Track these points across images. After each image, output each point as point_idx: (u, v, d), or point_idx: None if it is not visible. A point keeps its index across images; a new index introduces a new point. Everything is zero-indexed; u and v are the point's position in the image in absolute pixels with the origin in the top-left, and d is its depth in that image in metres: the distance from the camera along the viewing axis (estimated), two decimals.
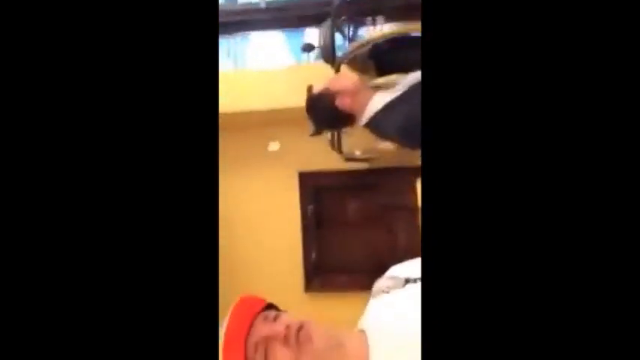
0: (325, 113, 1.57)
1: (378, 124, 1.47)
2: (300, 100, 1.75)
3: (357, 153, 2.94)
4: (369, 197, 3.40)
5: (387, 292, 0.81)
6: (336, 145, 2.76)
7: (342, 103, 1.47)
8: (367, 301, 0.88)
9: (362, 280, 3.47)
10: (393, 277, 0.84)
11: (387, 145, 2.40)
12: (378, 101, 1.44)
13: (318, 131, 1.81)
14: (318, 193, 3.52)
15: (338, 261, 3.66)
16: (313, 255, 3.58)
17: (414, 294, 0.73)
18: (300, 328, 0.73)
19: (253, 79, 3.26)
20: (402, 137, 1.49)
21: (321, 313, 3.85)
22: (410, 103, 1.33)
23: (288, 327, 0.73)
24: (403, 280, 0.79)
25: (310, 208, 3.46)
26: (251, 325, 0.75)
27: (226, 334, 0.72)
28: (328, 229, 3.59)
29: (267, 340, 0.73)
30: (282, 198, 3.51)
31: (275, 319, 0.76)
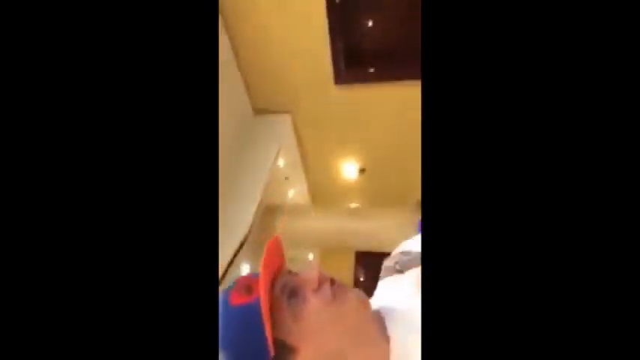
0: None
1: None
2: None
3: None
4: None
5: (401, 272, 0.73)
6: None
7: None
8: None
9: (393, 71, 3.52)
10: (407, 253, 0.76)
11: None
12: None
13: None
14: None
15: (367, 51, 3.52)
16: (341, 44, 3.41)
17: None
18: (333, 280, 0.62)
19: None
20: None
21: (351, 106, 3.92)
22: None
23: (321, 276, 0.62)
24: (419, 256, 0.71)
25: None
26: (278, 272, 0.64)
27: (265, 264, 0.59)
28: (355, 15, 3.34)
29: (297, 285, 0.61)
30: None
31: (292, 293, 0.62)
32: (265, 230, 4.02)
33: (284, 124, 4.22)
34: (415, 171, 3.98)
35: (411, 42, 3.37)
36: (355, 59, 3.61)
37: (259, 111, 4.21)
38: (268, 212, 4.19)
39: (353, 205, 5.57)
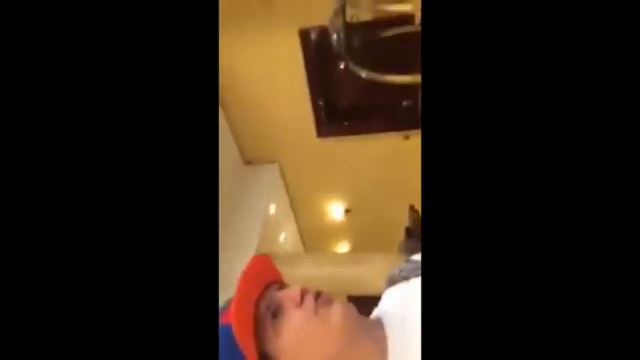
0: None
1: None
2: None
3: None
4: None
5: (407, 279, 0.72)
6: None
7: None
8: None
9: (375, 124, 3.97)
10: (411, 261, 0.76)
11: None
12: None
13: None
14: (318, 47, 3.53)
15: (347, 107, 3.93)
16: (321, 102, 3.81)
17: None
18: (318, 293, 0.62)
19: None
20: None
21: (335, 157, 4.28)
22: None
23: (303, 291, 0.62)
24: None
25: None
26: (264, 290, 0.65)
27: (239, 289, 0.61)
28: (333, 75, 3.69)
29: (280, 302, 0.62)
30: (285, 53, 3.58)
31: (275, 312, 0.63)
32: None
33: (272, 172, 4.52)
34: (396, 205, 4.30)
35: (377, 95, 3.73)
36: (333, 114, 4.01)
37: (248, 161, 4.51)
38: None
39: (342, 249, 5.84)
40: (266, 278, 0.67)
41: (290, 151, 4.44)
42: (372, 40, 2.77)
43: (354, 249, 5.75)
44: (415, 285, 0.69)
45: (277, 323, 0.61)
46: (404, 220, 3.99)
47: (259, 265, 0.67)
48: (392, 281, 0.76)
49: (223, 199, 3.92)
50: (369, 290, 4.18)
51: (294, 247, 5.43)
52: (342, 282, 4.31)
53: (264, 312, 0.62)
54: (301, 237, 5.62)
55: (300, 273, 4.44)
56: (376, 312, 0.71)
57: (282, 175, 4.70)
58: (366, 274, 4.21)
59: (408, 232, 3.73)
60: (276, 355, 0.61)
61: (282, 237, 5.06)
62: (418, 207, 3.89)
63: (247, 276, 0.63)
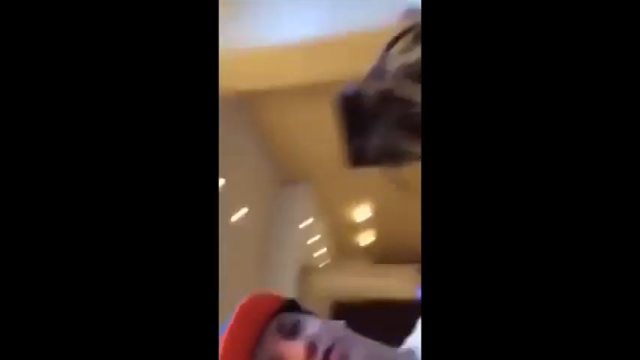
0: None
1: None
2: None
3: None
4: None
5: None
6: None
7: None
8: None
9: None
10: None
11: None
12: None
13: None
14: None
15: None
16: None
17: None
18: (329, 349, 0.49)
19: None
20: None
21: None
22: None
23: (311, 347, 0.49)
24: None
25: None
26: (260, 336, 0.53)
27: (224, 346, 0.50)
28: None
29: (281, 357, 0.51)
30: None
31: (293, 330, 0.52)
32: (306, 290, 4.73)
33: (306, 191, 5.02)
34: (414, 213, 4.76)
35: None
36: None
37: (284, 182, 5.02)
38: (304, 273, 4.95)
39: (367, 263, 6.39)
40: (263, 319, 0.54)
41: (322, 174, 4.92)
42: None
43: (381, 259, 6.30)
44: None
45: None
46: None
47: (251, 307, 0.54)
48: None
49: (260, 219, 4.45)
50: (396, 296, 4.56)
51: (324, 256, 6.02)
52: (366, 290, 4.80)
53: None
54: (331, 244, 6.18)
55: (332, 283, 4.97)
56: (409, 342, 0.61)
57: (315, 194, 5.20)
58: (393, 285, 4.69)
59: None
60: None
61: (312, 245, 5.60)
62: None
63: (240, 316, 0.52)
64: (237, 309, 0.53)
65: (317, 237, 5.55)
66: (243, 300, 0.54)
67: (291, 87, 3.92)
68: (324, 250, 5.90)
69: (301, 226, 4.92)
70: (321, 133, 4.42)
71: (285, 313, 0.55)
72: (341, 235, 5.98)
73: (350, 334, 0.54)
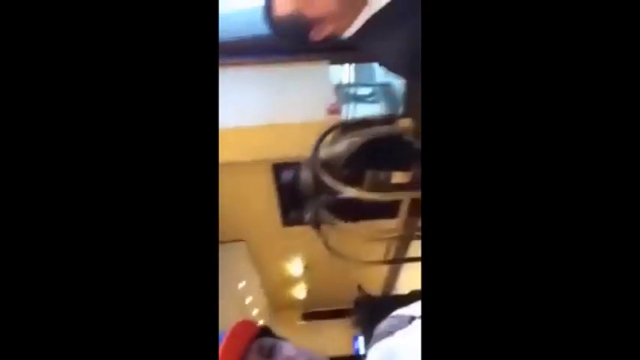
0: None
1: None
2: None
3: None
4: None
5: (392, 334, 0.70)
6: None
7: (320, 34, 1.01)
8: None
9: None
10: (396, 317, 0.74)
11: None
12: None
13: None
14: None
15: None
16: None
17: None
18: None
19: None
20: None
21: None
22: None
23: None
24: (408, 318, 0.69)
25: None
26: (244, 356, 0.59)
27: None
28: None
29: None
30: None
31: (271, 352, 0.59)
32: None
33: (241, 249, 5.23)
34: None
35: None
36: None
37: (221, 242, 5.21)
38: None
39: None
40: (247, 341, 0.62)
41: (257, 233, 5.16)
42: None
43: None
44: (400, 338, 0.68)
45: None
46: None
47: (245, 328, 0.64)
48: (378, 337, 0.74)
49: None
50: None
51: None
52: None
53: None
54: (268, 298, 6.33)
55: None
56: None
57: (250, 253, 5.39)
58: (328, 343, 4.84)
59: (357, 305, 4.22)
60: None
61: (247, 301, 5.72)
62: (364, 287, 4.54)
63: (230, 340, 0.60)
64: (228, 332, 0.60)
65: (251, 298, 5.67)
66: (233, 325, 0.62)
67: (228, 163, 4.24)
68: (258, 310, 6.02)
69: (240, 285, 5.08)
70: (256, 201, 4.73)
71: (263, 338, 0.63)
72: (274, 293, 6.17)
73: (323, 358, 0.61)
